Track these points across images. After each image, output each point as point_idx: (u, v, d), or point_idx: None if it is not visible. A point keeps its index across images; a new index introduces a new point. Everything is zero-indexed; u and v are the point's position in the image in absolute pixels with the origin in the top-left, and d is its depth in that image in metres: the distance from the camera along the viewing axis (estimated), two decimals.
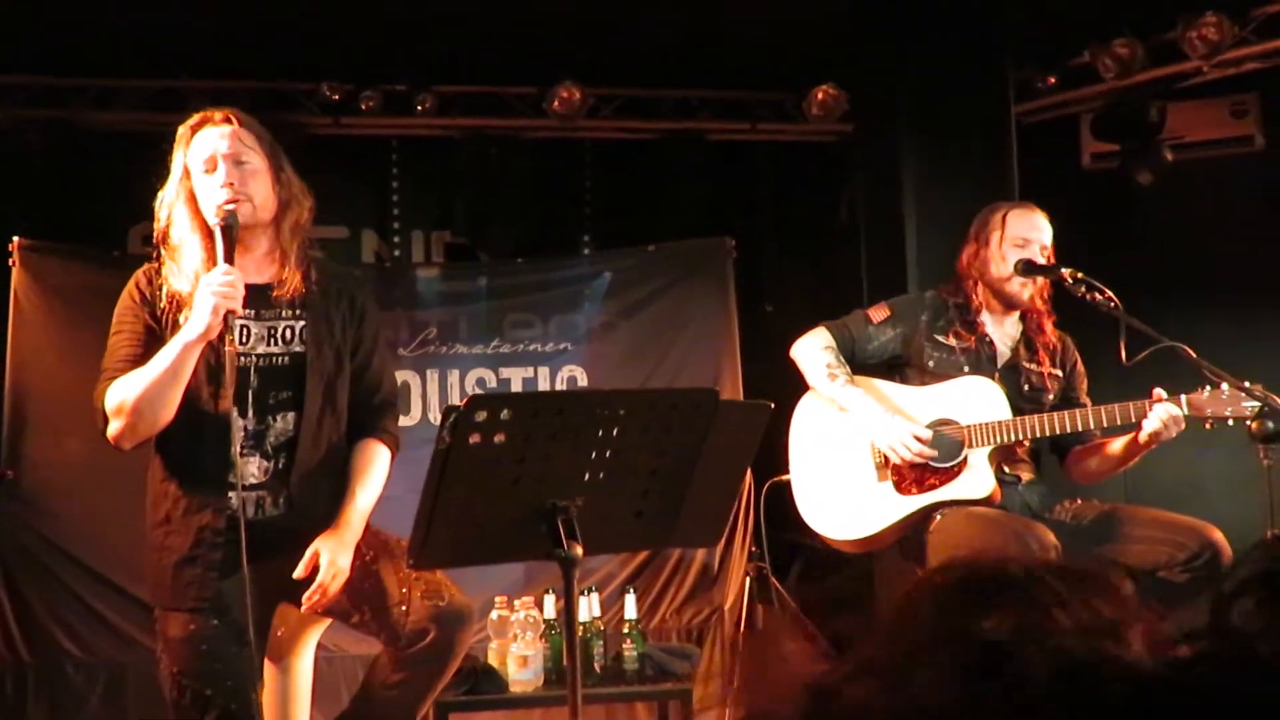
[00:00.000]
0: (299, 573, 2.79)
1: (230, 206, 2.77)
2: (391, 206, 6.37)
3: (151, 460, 2.91)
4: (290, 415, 2.87)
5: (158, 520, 2.86)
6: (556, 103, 5.94)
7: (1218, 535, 3.32)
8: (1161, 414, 3.33)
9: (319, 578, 2.78)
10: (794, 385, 3.79)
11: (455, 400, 5.74)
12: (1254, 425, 3.31)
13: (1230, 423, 3.32)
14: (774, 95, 6.30)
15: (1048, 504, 3.62)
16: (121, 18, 5.14)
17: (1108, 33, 5.58)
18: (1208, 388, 3.32)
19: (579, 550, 2.21)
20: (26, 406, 5.36)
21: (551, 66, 5.87)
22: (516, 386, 5.87)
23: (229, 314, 2.68)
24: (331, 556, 2.80)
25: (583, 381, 5.93)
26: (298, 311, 2.89)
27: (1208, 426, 3.35)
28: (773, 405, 2.53)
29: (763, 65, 6.04)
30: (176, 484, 2.82)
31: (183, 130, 2.87)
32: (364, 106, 5.90)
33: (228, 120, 2.86)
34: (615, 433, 2.27)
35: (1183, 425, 3.33)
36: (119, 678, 5.13)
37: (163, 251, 2.85)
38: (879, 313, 3.75)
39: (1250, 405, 3.29)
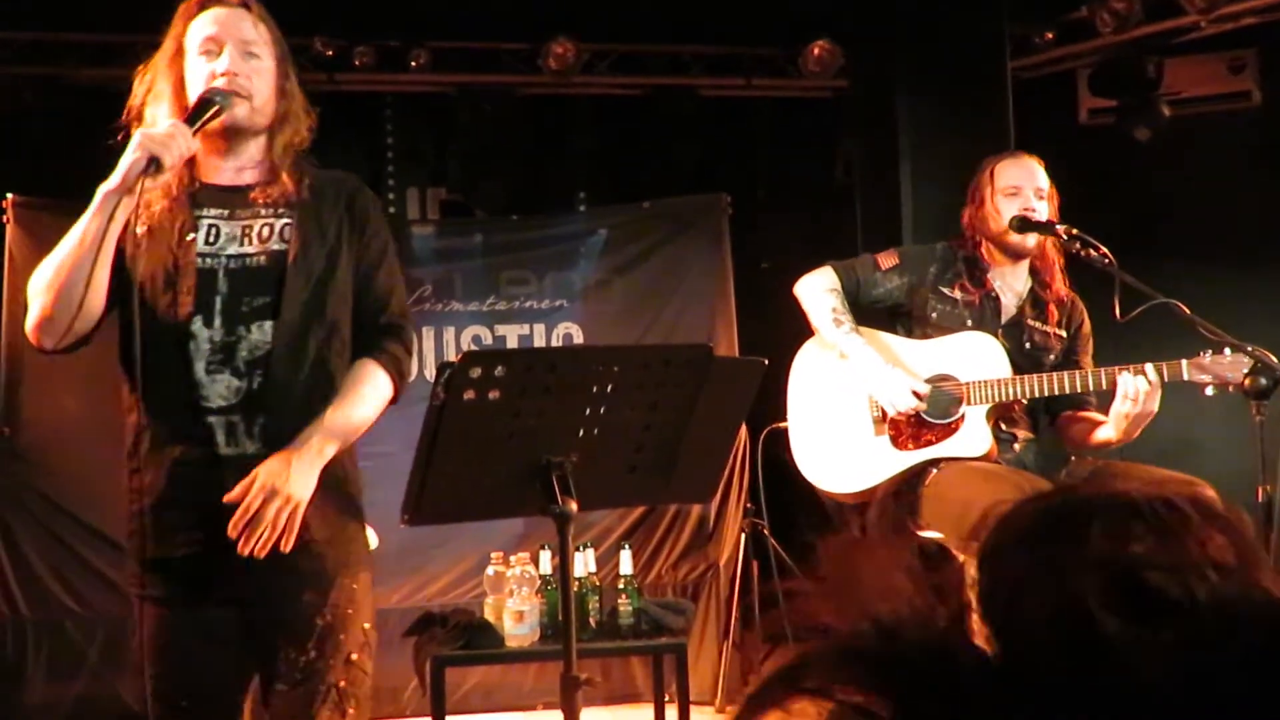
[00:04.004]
0: (233, 494, 2.28)
1: (222, 84, 2.35)
2: (386, 163, 6.33)
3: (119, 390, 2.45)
4: (268, 325, 2.38)
5: (126, 457, 2.40)
6: (550, 59, 5.90)
7: (1210, 492, 3.31)
8: (1126, 389, 3.29)
9: (246, 498, 2.28)
10: (790, 342, 3.77)
11: (451, 358, 5.76)
12: (1247, 381, 3.30)
13: (1230, 389, 3.31)
14: (769, 51, 6.26)
15: (1042, 463, 3.62)
16: None
17: None
18: (1209, 351, 3.30)
19: (574, 506, 2.21)
20: (22, 363, 5.36)
21: (545, 22, 5.83)
22: (512, 344, 5.87)
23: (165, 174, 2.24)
24: (267, 478, 2.29)
25: (579, 339, 5.93)
26: (280, 211, 2.43)
27: (1208, 393, 3.33)
28: (766, 362, 2.53)
29: (757, 20, 5.99)
30: (139, 412, 2.34)
31: (186, 4, 2.42)
32: (357, 63, 5.85)
33: (244, 5, 2.43)
34: (609, 389, 2.25)
35: (1156, 395, 3.30)
36: (117, 632, 5.14)
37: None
38: (888, 259, 3.72)
39: (1245, 362, 3.29)
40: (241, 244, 2.40)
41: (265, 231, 2.42)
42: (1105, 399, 3.43)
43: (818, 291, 3.68)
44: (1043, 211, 3.57)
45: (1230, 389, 3.29)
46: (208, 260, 2.37)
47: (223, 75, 2.34)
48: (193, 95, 2.35)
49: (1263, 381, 3.32)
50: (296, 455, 2.33)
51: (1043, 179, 3.63)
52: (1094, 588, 0.58)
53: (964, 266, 3.65)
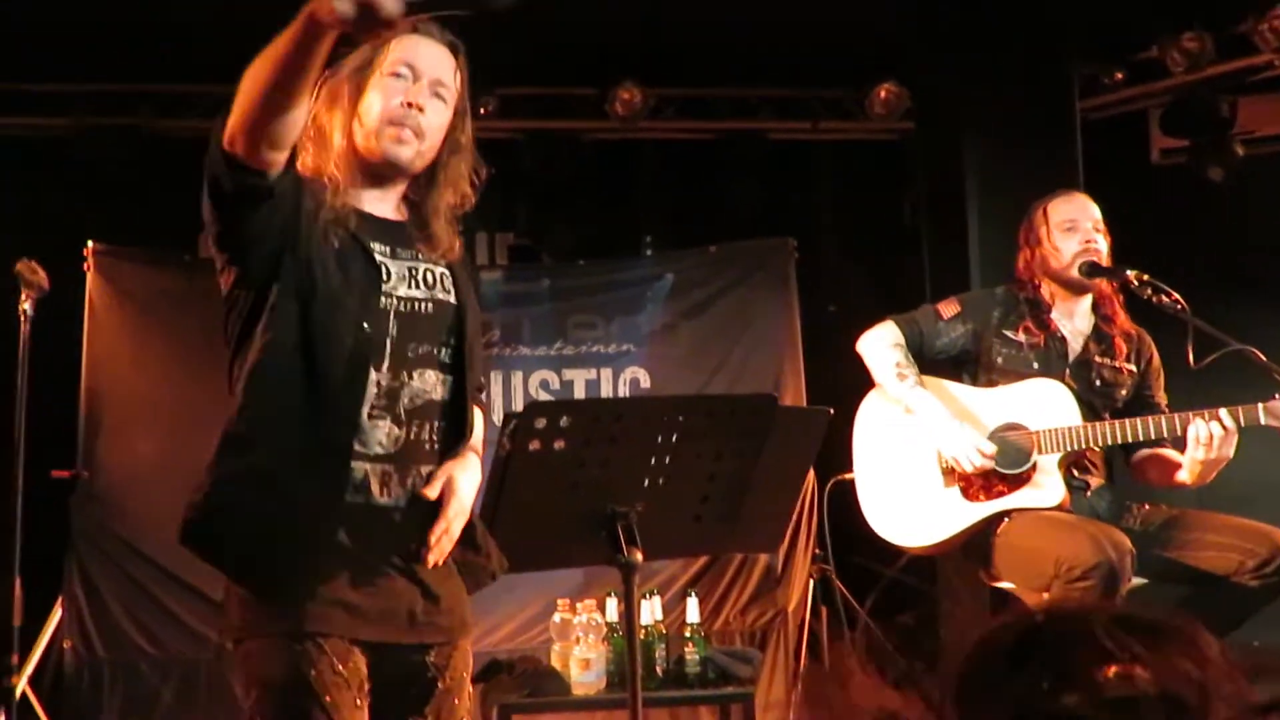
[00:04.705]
0: (433, 492, 2.19)
1: (402, 114, 2.22)
2: None
3: (246, 385, 2.16)
4: (430, 374, 2.25)
5: (237, 470, 2.11)
6: (617, 104, 5.96)
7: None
8: (1199, 435, 3.26)
9: (447, 510, 2.19)
10: (858, 387, 3.75)
11: (519, 402, 5.80)
12: None
13: None
14: (835, 94, 6.27)
15: (1116, 510, 3.56)
16: (189, 24, 5.22)
17: (1176, 26, 5.49)
18: None
19: (639, 555, 2.21)
20: (100, 409, 5.47)
21: (612, 67, 5.89)
22: (580, 388, 5.90)
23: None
24: (460, 486, 2.21)
25: (645, 383, 5.94)
26: (435, 257, 2.32)
27: None
28: (831, 411, 2.52)
29: (824, 63, 6.00)
30: (271, 446, 2.11)
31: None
32: None
33: (453, 49, 2.32)
34: (674, 438, 2.26)
35: (1232, 440, 3.25)
36: (191, 674, 5.23)
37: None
38: (949, 308, 3.70)
39: None
40: (410, 286, 2.28)
41: (429, 277, 2.31)
42: (1181, 438, 3.38)
43: (881, 347, 3.66)
44: (1102, 245, 3.55)
45: None
46: (383, 299, 2.22)
47: (409, 105, 2.22)
48: (370, 110, 2.22)
49: None
50: (468, 469, 2.26)
51: (1097, 213, 3.60)
52: None
53: (1027, 309, 3.62)
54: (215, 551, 2.15)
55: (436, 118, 2.27)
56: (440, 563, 2.21)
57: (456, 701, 2.28)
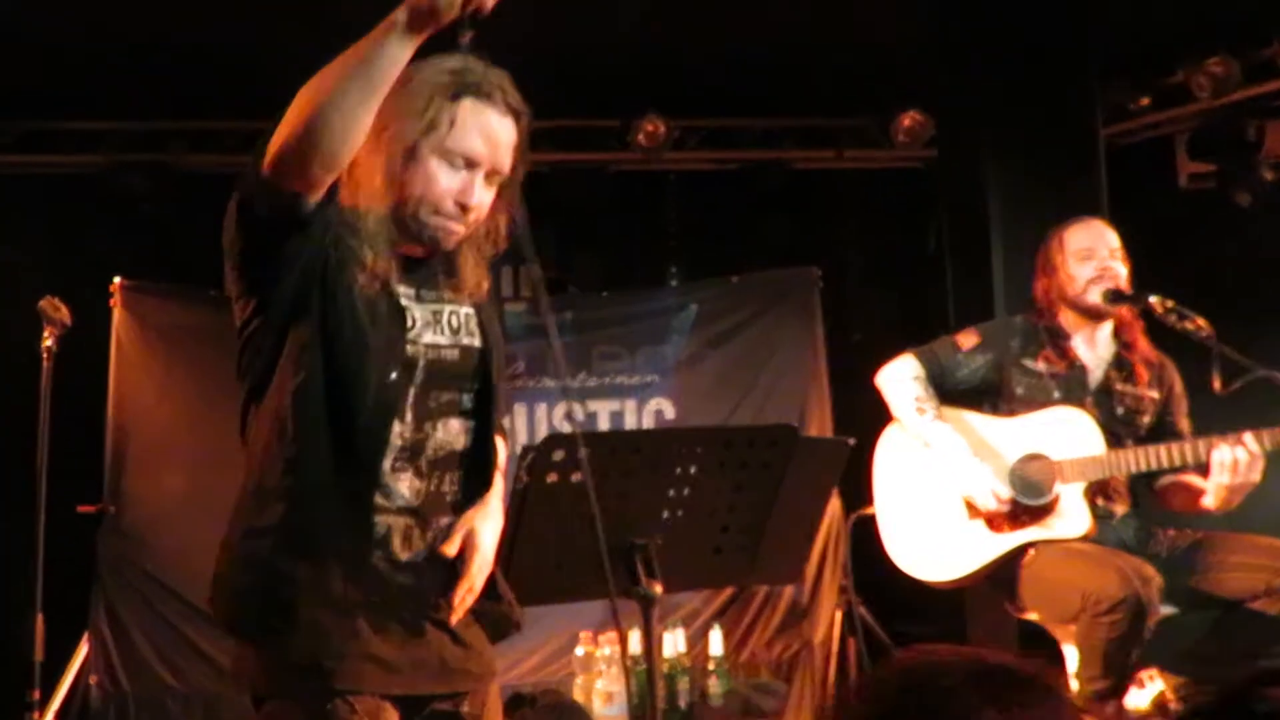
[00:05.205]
0: (452, 549, 2.13)
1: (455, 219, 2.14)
2: None
3: (268, 433, 2.07)
4: (453, 423, 2.18)
5: (261, 525, 2.04)
6: (641, 135, 5.99)
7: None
8: (1223, 460, 3.24)
9: (469, 567, 2.14)
10: (884, 415, 3.74)
11: (543, 434, 5.81)
12: None
13: None
14: (858, 122, 6.28)
15: (1143, 538, 3.53)
16: (216, 63, 5.29)
17: (1201, 51, 5.48)
18: None
19: (658, 588, 2.21)
20: (127, 444, 5.51)
21: (635, 99, 5.92)
22: (604, 419, 5.91)
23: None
24: (482, 540, 2.16)
25: (670, 413, 5.95)
26: (461, 297, 2.22)
27: None
28: (853, 441, 2.52)
29: (847, 92, 6.02)
30: (291, 500, 2.03)
31: (451, 77, 2.10)
32: None
33: (517, 117, 2.16)
34: (693, 470, 2.26)
35: (1259, 464, 3.23)
36: (214, 708, 5.23)
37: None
38: (968, 339, 3.69)
39: None
40: (435, 333, 2.17)
41: (454, 321, 2.21)
42: (1206, 463, 3.36)
43: (900, 380, 3.65)
44: (1121, 271, 3.55)
45: None
46: (409, 347, 2.12)
47: (456, 202, 2.10)
48: (420, 185, 2.09)
49: None
50: (489, 518, 2.21)
51: (1114, 239, 3.60)
52: None
53: (1046, 337, 3.61)
54: (241, 622, 2.07)
55: (486, 198, 2.16)
56: (459, 617, 2.16)
57: None
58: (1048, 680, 0.71)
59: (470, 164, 2.10)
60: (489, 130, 2.11)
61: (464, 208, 2.11)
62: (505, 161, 2.14)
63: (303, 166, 1.90)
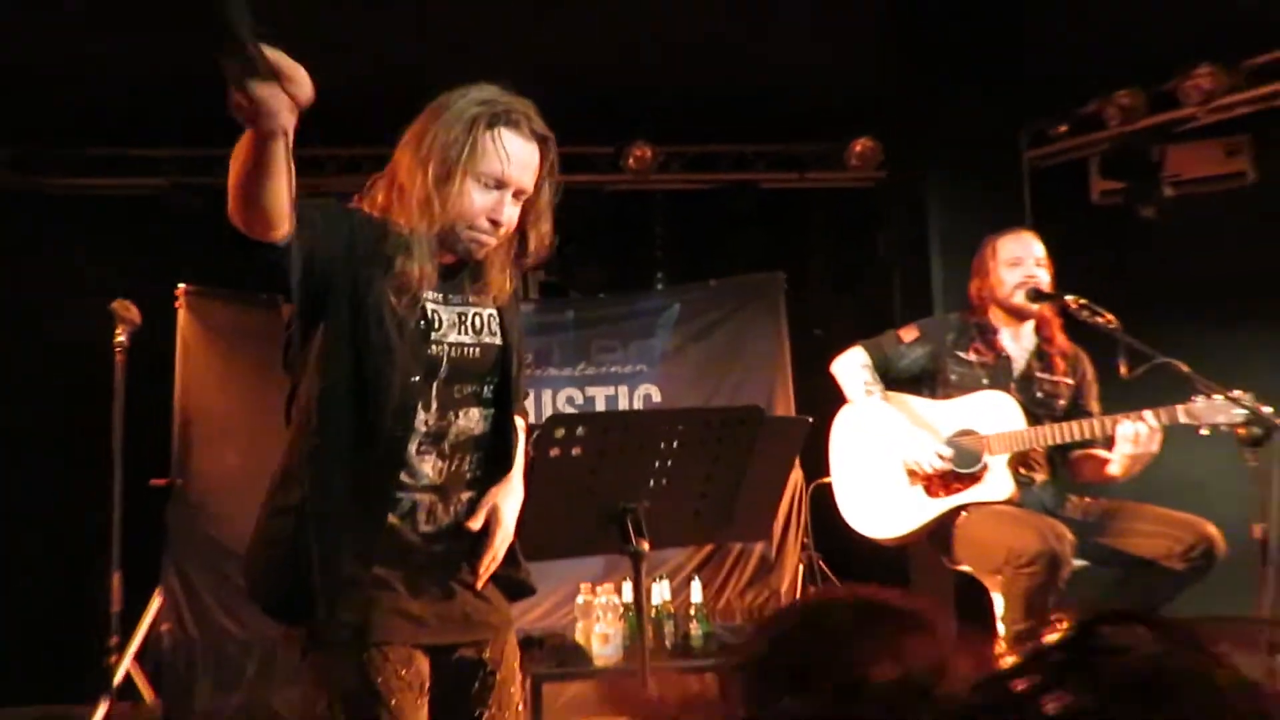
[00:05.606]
0: (476, 524, 2.14)
1: (486, 232, 2.12)
2: None
3: (300, 423, 2.06)
4: (474, 411, 2.16)
5: (284, 505, 2.03)
6: (631, 160, 6.00)
7: (1211, 529, 3.26)
8: (1126, 433, 3.28)
9: (493, 539, 2.15)
10: (838, 398, 3.78)
11: (548, 415, 5.84)
12: (1241, 431, 3.24)
13: (1223, 429, 3.27)
14: (819, 148, 6.30)
15: (1058, 502, 3.58)
16: None
17: (1112, 85, 5.51)
18: (1199, 397, 3.27)
19: (646, 545, 2.24)
20: (191, 427, 5.53)
21: (626, 128, 5.95)
22: (601, 403, 5.93)
23: None
24: (504, 514, 2.17)
25: (657, 398, 5.97)
26: (486, 299, 2.21)
27: (1203, 433, 3.29)
28: (811, 420, 2.56)
29: (809, 122, 6.05)
30: (330, 463, 2.00)
31: (482, 107, 2.09)
32: None
33: (540, 139, 2.17)
34: (675, 445, 2.29)
35: (1157, 437, 3.27)
36: (271, 652, 5.25)
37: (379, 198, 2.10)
38: (909, 333, 3.73)
39: (1239, 413, 3.24)
40: (460, 332, 2.16)
41: (478, 322, 2.19)
42: (1112, 438, 3.40)
43: (851, 367, 3.70)
44: (1044, 277, 3.58)
45: (1221, 431, 3.25)
46: (433, 347, 2.10)
47: (493, 220, 2.10)
48: (454, 202, 2.06)
49: (1256, 431, 3.27)
50: (511, 494, 2.21)
51: (1039, 250, 3.63)
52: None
53: (976, 332, 3.64)
54: (271, 601, 2.07)
55: (513, 214, 2.15)
56: (483, 584, 2.17)
57: (513, 690, 2.23)
58: (928, 616, 0.71)
59: (500, 185, 2.09)
60: (517, 154, 2.11)
61: (495, 224, 2.10)
62: (529, 179, 2.14)
63: (248, 225, 1.82)
